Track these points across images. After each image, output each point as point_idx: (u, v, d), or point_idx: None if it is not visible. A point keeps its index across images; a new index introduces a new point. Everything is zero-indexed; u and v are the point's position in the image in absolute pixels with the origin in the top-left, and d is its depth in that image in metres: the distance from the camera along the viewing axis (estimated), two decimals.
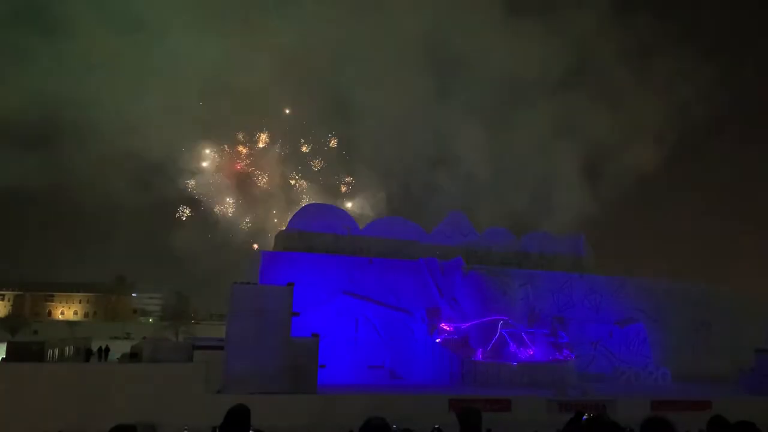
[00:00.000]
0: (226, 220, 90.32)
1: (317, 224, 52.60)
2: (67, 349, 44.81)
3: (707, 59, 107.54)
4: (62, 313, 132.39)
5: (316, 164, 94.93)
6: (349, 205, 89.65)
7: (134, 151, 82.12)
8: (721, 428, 5.35)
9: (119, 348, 54.73)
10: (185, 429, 28.04)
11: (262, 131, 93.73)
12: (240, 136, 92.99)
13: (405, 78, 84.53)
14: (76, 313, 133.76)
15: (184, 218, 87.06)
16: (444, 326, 49.37)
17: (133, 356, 41.33)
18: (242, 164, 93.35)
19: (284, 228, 54.89)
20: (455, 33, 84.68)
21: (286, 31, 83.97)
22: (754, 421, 5.38)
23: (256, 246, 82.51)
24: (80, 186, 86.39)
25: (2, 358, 38.17)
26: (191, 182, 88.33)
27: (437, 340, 48.52)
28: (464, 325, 49.78)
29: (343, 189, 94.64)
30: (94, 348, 50.18)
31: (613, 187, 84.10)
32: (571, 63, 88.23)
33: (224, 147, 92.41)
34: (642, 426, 4.81)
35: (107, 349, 47.79)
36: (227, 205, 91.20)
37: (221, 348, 37.33)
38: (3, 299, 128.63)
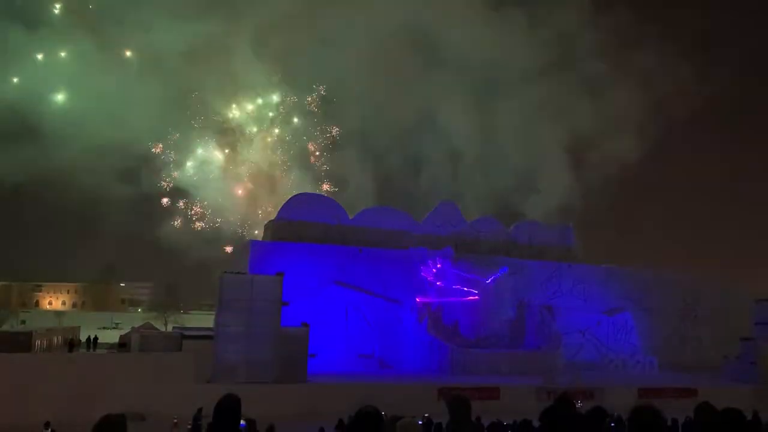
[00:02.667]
0: (215, 210, 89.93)
1: (307, 214, 52.50)
2: (55, 339, 44.57)
3: (686, 57, 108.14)
4: (50, 303, 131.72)
5: (305, 152, 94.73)
6: (336, 193, 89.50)
7: (120, 142, 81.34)
8: (709, 415, 5.42)
9: (108, 338, 54.51)
10: (175, 419, 28.04)
11: (246, 119, 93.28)
12: (225, 124, 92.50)
13: (388, 65, 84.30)
14: (64, 303, 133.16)
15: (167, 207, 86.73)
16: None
17: (122, 346, 41.22)
18: (229, 153, 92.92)
19: (274, 218, 54.78)
20: (437, 23, 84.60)
21: (267, 19, 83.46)
22: (738, 407, 5.45)
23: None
24: (66, 178, 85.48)
25: None
26: (176, 173, 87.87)
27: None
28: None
29: (332, 177, 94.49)
30: (83, 338, 49.92)
31: (599, 177, 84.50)
32: (552, 55, 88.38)
33: (211, 135, 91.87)
34: (631, 414, 4.86)
35: (96, 339, 47.56)
36: (215, 195, 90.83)
37: (211, 338, 37.31)
38: None
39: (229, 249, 79.66)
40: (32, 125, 78.36)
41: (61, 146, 75.79)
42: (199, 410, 27.17)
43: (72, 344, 44.61)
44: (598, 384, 40.39)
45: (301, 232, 51.00)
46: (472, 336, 51.17)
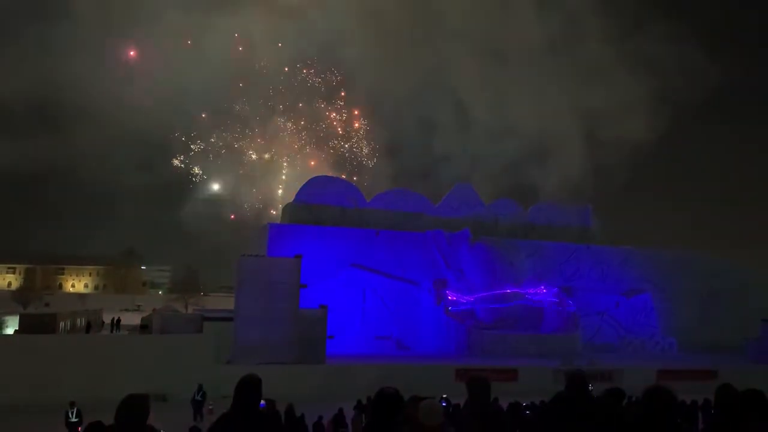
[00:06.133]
0: (233, 194, 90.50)
1: (324, 197, 52.60)
2: (78, 320, 45.46)
3: (694, 40, 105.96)
4: (73, 286, 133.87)
5: (323, 136, 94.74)
6: (355, 177, 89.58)
7: (138, 130, 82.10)
8: (729, 396, 5.39)
9: (130, 320, 55.39)
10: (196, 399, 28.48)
11: (264, 104, 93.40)
12: (242, 111, 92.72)
13: (400, 46, 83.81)
14: (86, 285, 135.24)
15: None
16: (450, 296, 49.56)
17: (144, 328, 41.90)
18: (247, 137, 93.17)
19: (292, 200, 55.00)
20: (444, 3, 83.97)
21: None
22: (759, 389, 5.41)
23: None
24: (87, 165, 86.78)
25: (15, 330, 38.82)
26: (195, 158, 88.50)
27: (450, 309, 48.76)
28: (471, 298, 50.11)
29: (350, 160, 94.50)
30: (106, 320, 50.89)
31: (616, 158, 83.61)
32: (560, 36, 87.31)
33: (228, 122, 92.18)
34: (644, 395, 4.85)
35: (119, 321, 48.48)
36: (233, 179, 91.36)
37: (230, 319, 37.72)
38: (14, 272, 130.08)
39: (246, 230, 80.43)
40: (53, 115, 79.40)
41: (82, 134, 76.73)
42: (200, 386, 27.72)
43: (89, 326, 45.54)
44: (617, 366, 40.23)
45: (319, 214, 51.17)
46: (490, 317, 51.13)
